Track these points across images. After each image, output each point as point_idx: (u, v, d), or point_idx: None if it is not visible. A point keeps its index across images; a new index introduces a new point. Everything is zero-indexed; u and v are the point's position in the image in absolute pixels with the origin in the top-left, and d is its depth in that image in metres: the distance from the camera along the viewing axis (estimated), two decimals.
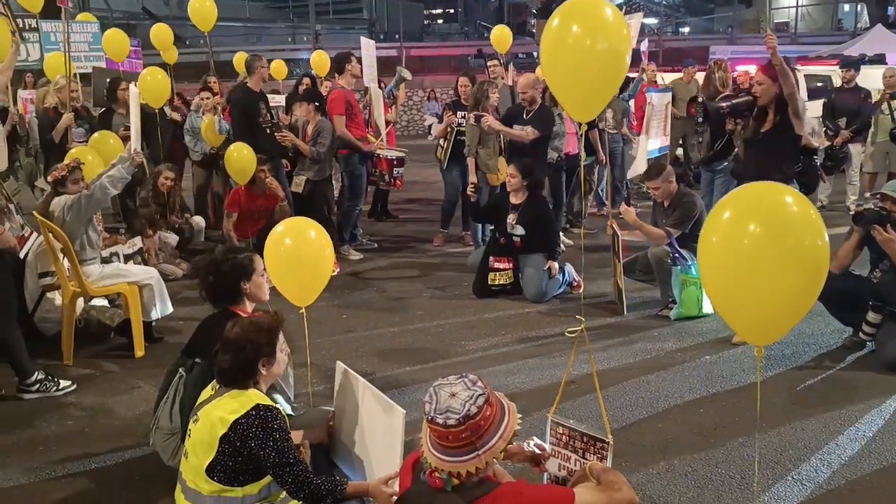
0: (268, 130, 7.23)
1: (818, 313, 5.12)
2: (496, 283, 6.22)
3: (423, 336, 5.48)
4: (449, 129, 7.62)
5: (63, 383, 4.60)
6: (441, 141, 7.80)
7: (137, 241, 6.49)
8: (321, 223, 6.87)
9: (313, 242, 3.73)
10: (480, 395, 2.16)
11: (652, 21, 32.70)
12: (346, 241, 7.72)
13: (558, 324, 5.56)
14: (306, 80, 9.27)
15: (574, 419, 2.94)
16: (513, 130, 6.80)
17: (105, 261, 5.31)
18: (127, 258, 6.10)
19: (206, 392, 2.97)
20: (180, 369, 3.54)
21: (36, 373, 4.55)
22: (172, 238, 7.19)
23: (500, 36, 9.52)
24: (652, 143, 8.03)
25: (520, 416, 2.26)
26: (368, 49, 8.65)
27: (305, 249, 3.71)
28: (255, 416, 2.73)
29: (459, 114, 7.53)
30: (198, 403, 2.96)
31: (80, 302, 5.33)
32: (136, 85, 6.66)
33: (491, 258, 6.28)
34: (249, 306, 3.67)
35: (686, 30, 31.50)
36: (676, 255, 5.57)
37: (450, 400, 2.13)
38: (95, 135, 6.66)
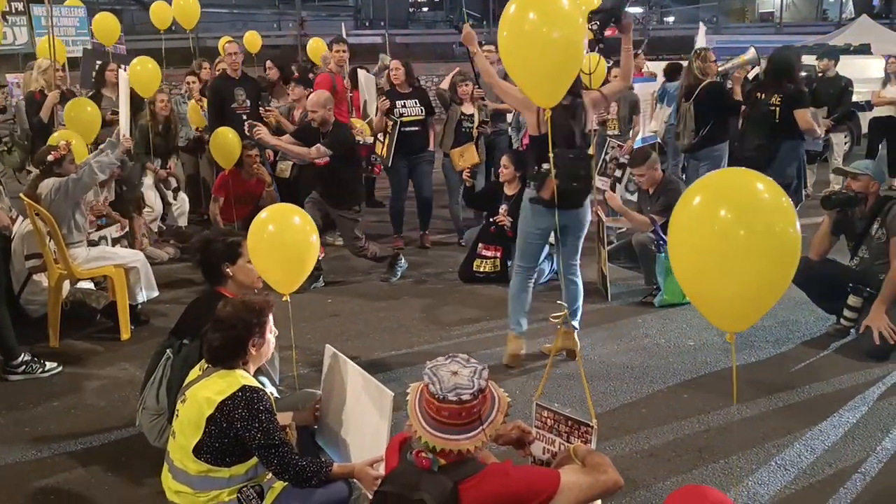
0: (243, 117, 7.17)
1: (802, 302, 5.20)
2: (482, 269, 6.27)
3: (407, 321, 5.50)
4: (389, 122, 6.95)
5: (49, 365, 4.59)
6: (381, 135, 7.17)
7: (125, 225, 6.43)
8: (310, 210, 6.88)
9: (297, 228, 3.71)
10: (482, 368, 2.20)
11: (637, 10, 32.74)
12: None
13: (543, 310, 5.57)
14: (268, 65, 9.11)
15: (558, 403, 2.98)
16: (292, 147, 6.05)
17: (91, 244, 5.28)
18: (115, 241, 6.07)
19: (194, 373, 2.98)
20: (167, 350, 3.54)
21: (22, 354, 4.54)
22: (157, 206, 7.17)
23: None
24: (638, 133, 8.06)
25: (505, 392, 2.29)
26: (368, 82, 8.40)
27: (289, 236, 3.68)
28: (242, 397, 2.75)
29: (399, 103, 6.95)
30: (185, 384, 2.97)
31: (67, 284, 5.31)
32: (125, 69, 6.61)
33: (480, 245, 6.32)
34: (235, 290, 3.67)
35: (671, 19, 31.55)
36: (661, 242, 5.62)
37: (454, 378, 2.15)
38: (69, 102, 6.61)
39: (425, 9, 43.85)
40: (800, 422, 3.91)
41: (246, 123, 6.37)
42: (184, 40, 16.21)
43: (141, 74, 6.91)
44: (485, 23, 24.27)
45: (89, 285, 5.65)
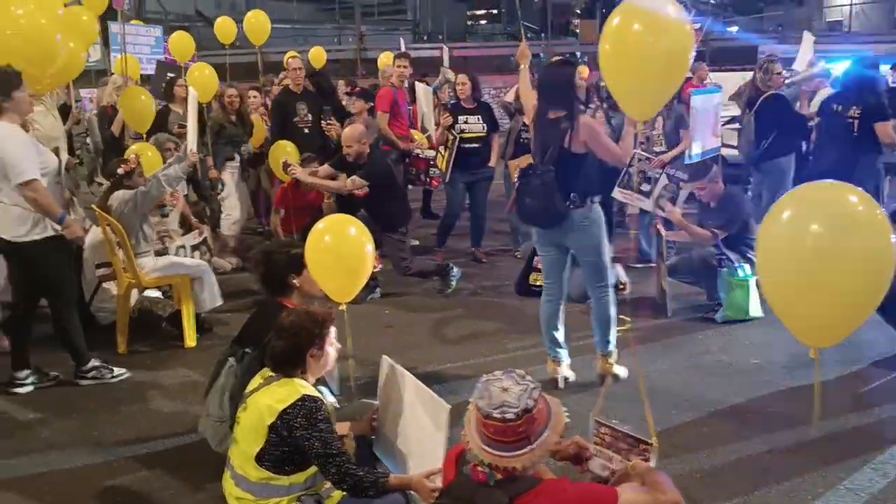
0: (305, 131, 7.33)
1: (874, 321, 5.01)
2: (538, 283, 6.20)
3: (464, 334, 5.51)
4: (450, 137, 6.99)
5: (117, 370, 4.74)
6: (441, 149, 7.18)
7: (204, 232, 6.55)
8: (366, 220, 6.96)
9: (353, 239, 3.77)
10: (534, 388, 2.17)
11: (698, 20, 32.10)
12: None
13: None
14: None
15: (617, 419, 2.94)
16: (328, 183, 6.19)
17: (158, 253, 5.44)
18: (193, 249, 6.22)
19: (256, 380, 3.04)
20: (230, 358, 3.62)
21: (92, 360, 4.70)
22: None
23: None
24: (698, 146, 7.88)
25: (565, 408, 2.28)
26: (426, 95, 8.40)
27: (345, 246, 3.76)
28: (301, 406, 2.79)
29: (461, 118, 6.96)
30: (247, 391, 3.03)
31: (135, 293, 5.48)
32: (185, 79, 6.81)
33: (536, 258, 6.28)
34: (299, 300, 3.76)
35: (734, 29, 31.00)
36: (723, 256, 5.51)
37: (503, 395, 2.13)
38: (125, 91, 6.87)
39: (483, 21, 44.01)
40: (871, 445, 3.77)
41: (281, 163, 6.50)
42: (247, 55, 16.62)
43: (199, 80, 7.09)
44: (542, 35, 24.21)
45: (156, 294, 5.82)
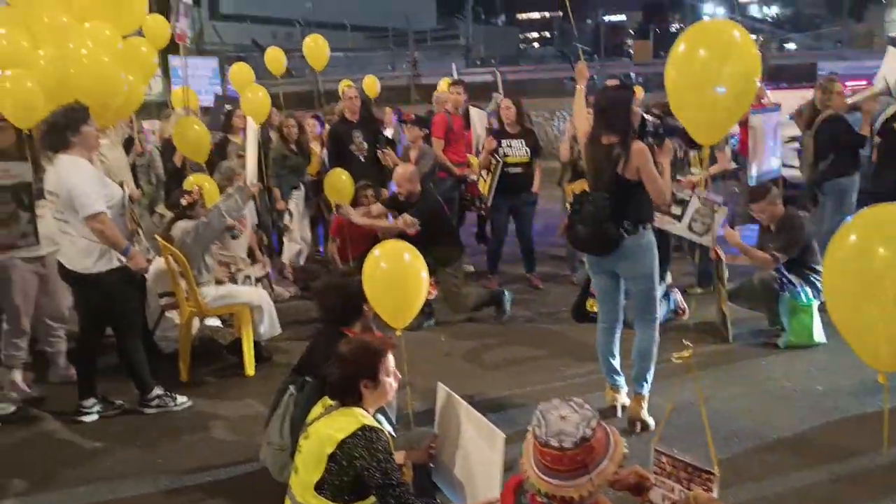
0: (361, 159, 7.45)
1: None
2: (595, 309, 6.12)
3: (521, 361, 5.48)
4: (493, 161, 6.98)
5: (180, 399, 4.85)
6: (484, 173, 7.16)
7: (267, 264, 6.73)
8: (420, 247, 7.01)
9: (408, 265, 3.83)
10: (592, 417, 2.16)
11: (753, 37, 31.61)
12: None
13: (660, 350, 5.44)
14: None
15: (678, 448, 2.89)
16: (379, 223, 6.35)
17: (218, 282, 5.57)
18: (257, 280, 6.36)
19: (317, 409, 3.08)
20: (290, 387, 3.70)
21: (155, 388, 4.82)
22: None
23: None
24: (758, 167, 7.72)
25: (624, 437, 2.25)
26: (481, 119, 8.42)
27: (400, 272, 3.82)
28: (361, 436, 2.82)
29: (504, 143, 6.98)
30: (308, 420, 3.07)
31: (196, 321, 5.61)
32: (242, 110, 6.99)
33: (592, 284, 6.20)
34: (360, 329, 3.83)
35: (792, 46, 30.42)
36: (784, 280, 5.39)
37: (561, 423, 2.13)
38: (178, 122, 7.04)
39: (536, 44, 44.22)
40: None
41: (334, 206, 6.64)
42: (301, 84, 16.93)
43: (252, 102, 7.26)
44: (595, 57, 24.13)
45: (216, 323, 5.95)
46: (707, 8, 43.32)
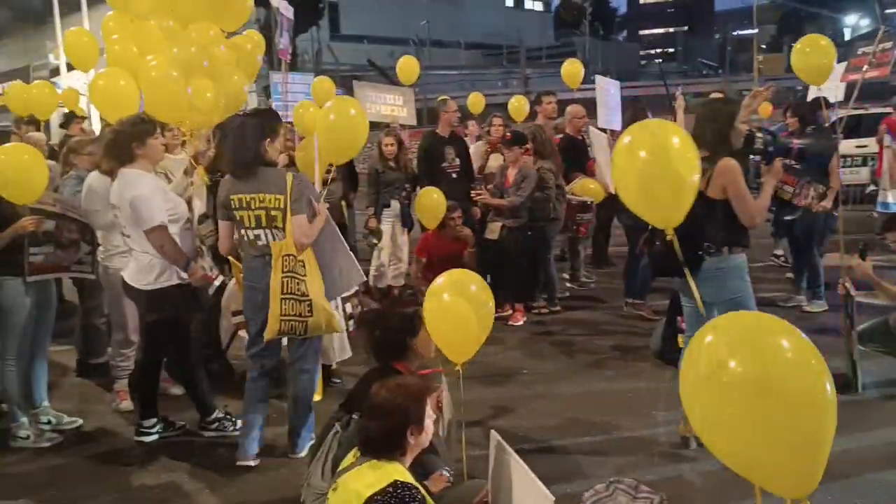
0: (453, 176, 7.12)
1: None
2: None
3: (608, 400, 4.94)
4: None
5: (239, 423, 4.61)
6: None
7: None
8: (518, 273, 6.65)
9: (472, 296, 3.45)
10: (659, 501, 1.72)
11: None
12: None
13: None
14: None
15: None
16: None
17: None
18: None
19: (349, 458, 2.77)
20: (336, 424, 3.38)
21: (216, 411, 4.62)
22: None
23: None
24: (891, 195, 6.84)
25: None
26: (608, 87, 8.03)
27: (463, 303, 3.43)
28: (393, 493, 2.49)
29: None
30: (340, 468, 2.78)
31: None
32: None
33: (679, 318, 5.53)
34: (412, 362, 3.49)
35: None
36: None
37: None
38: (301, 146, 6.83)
39: (658, 60, 42.98)
40: None
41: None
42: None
43: (302, 117, 6.98)
44: (720, 71, 23.05)
45: None
46: (849, 20, 40.80)
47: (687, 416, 2.04)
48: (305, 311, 3.96)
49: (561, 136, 7.70)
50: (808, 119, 6.67)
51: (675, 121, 4.56)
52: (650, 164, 3.31)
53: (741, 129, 4.09)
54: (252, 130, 3.99)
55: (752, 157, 4.70)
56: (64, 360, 5.89)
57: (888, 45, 7.47)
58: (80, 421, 4.81)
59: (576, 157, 7.54)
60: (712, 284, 3.86)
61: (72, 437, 4.65)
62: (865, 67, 6.69)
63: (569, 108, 7.77)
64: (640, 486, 1.79)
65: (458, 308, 3.42)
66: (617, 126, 7.94)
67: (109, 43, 5.61)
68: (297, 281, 3.94)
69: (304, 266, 3.96)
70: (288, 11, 7.54)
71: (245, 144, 3.98)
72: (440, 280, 3.53)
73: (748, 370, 1.83)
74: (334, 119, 4.73)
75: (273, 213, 3.95)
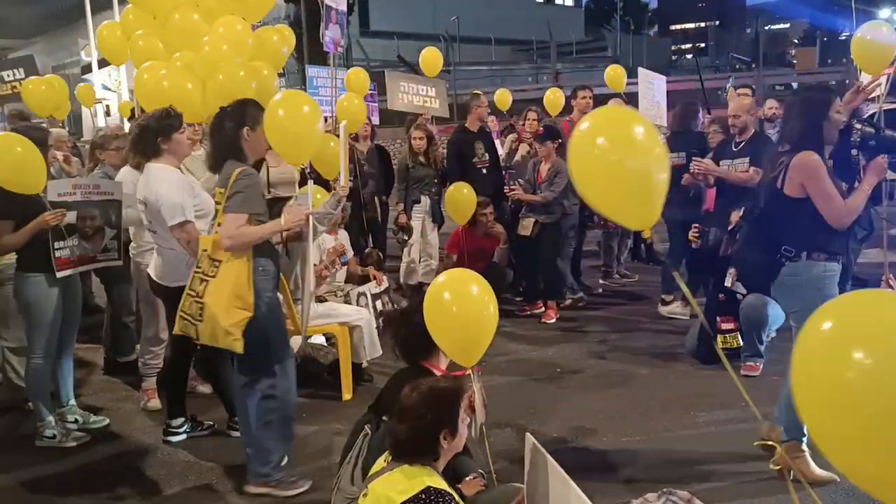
0: (483, 171, 7.03)
1: None
2: (728, 346, 5.28)
3: (644, 400, 4.80)
4: None
5: None
6: None
7: (384, 281, 6.28)
8: (549, 269, 6.50)
9: (475, 298, 3.16)
10: None
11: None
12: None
13: None
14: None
15: None
16: (733, 174, 5.55)
17: (319, 300, 5.27)
18: (374, 297, 6.01)
19: (380, 462, 2.67)
20: (365, 427, 3.28)
21: None
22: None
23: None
24: None
25: None
26: (653, 82, 7.83)
27: (465, 305, 3.15)
28: (426, 500, 2.40)
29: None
30: (371, 473, 2.69)
31: (298, 339, 5.33)
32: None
33: (718, 318, 5.30)
34: (444, 361, 3.37)
35: None
36: None
37: None
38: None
39: (689, 55, 42.38)
40: None
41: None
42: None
43: (348, 109, 6.92)
44: (753, 66, 22.63)
45: (320, 340, 5.65)
46: (883, 13, 39.99)
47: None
48: (196, 314, 3.59)
49: None
50: None
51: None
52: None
53: (836, 120, 3.66)
54: (229, 121, 3.73)
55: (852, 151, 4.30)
56: (91, 358, 5.88)
57: None
58: (107, 420, 4.76)
59: None
60: (789, 295, 3.64)
61: (99, 436, 4.60)
62: None
63: (610, 102, 7.61)
64: (693, 499, 1.66)
65: (460, 310, 3.16)
66: (662, 121, 7.78)
67: (133, 38, 5.52)
68: (200, 280, 3.61)
69: (216, 267, 3.57)
70: (339, 3, 7.37)
71: (220, 136, 3.75)
72: (441, 277, 3.29)
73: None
74: (283, 115, 3.83)
75: (217, 208, 3.72)
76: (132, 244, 4.85)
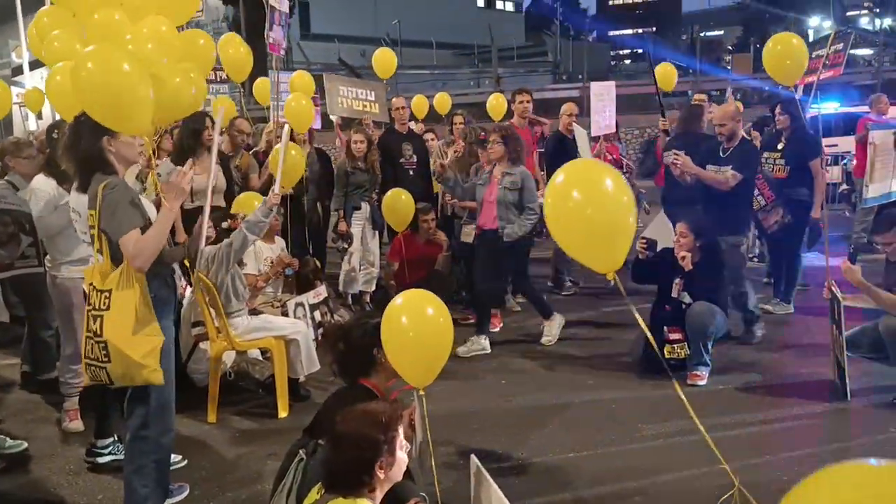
0: (410, 172, 7.07)
1: None
2: (676, 356, 5.23)
3: (589, 412, 4.71)
4: None
5: (174, 457, 4.12)
6: None
7: (322, 291, 6.02)
8: (496, 276, 6.38)
9: (429, 319, 3.03)
10: None
11: (867, 52, 29.78)
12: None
13: (762, 407, 4.59)
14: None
15: None
16: (708, 173, 5.72)
17: (254, 312, 5.04)
18: (313, 308, 5.78)
19: (312, 494, 2.49)
20: (300, 451, 3.09)
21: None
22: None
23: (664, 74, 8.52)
24: (876, 188, 6.70)
25: None
26: (602, 92, 7.75)
27: (420, 327, 3.03)
28: None
29: None
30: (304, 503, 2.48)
31: (232, 353, 5.10)
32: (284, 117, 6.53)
33: (666, 328, 5.24)
34: (382, 380, 3.21)
35: None
36: None
37: None
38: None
39: (627, 61, 43.08)
40: None
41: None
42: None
43: (296, 110, 6.72)
44: (690, 71, 23.06)
45: (256, 354, 5.41)
46: (812, 21, 41.27)
47: None
48: (101, 356, 3.16)
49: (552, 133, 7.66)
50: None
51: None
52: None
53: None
54: (86, 132, 3.25)
55: None
56: (8, 375, 5.53)
57: (839, 46, 7.50)
58: (25, 444, 4.44)
59: (564, 154, 7.31)
60: None
61: (16, 461, 4.29)
62: (820, 69, 6.73)
63: (564, 106, 7.59)
64: None
65: (415, 332, 3.03)
66: (611, 130, 7.90)
67: (49, 39, 5.13)
68: (94, 317, 3.18)
69: (107, 298, 3.14)
70: (282, 4, 7.19)
71: (79, 151, 3.28)
72: (398, 301, 3.13)
73: None
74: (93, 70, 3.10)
75: (92, 232, 3.26)
76: (47, 256, 4.54)
